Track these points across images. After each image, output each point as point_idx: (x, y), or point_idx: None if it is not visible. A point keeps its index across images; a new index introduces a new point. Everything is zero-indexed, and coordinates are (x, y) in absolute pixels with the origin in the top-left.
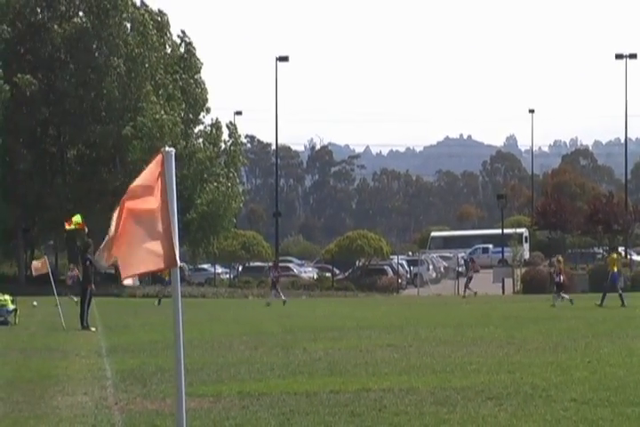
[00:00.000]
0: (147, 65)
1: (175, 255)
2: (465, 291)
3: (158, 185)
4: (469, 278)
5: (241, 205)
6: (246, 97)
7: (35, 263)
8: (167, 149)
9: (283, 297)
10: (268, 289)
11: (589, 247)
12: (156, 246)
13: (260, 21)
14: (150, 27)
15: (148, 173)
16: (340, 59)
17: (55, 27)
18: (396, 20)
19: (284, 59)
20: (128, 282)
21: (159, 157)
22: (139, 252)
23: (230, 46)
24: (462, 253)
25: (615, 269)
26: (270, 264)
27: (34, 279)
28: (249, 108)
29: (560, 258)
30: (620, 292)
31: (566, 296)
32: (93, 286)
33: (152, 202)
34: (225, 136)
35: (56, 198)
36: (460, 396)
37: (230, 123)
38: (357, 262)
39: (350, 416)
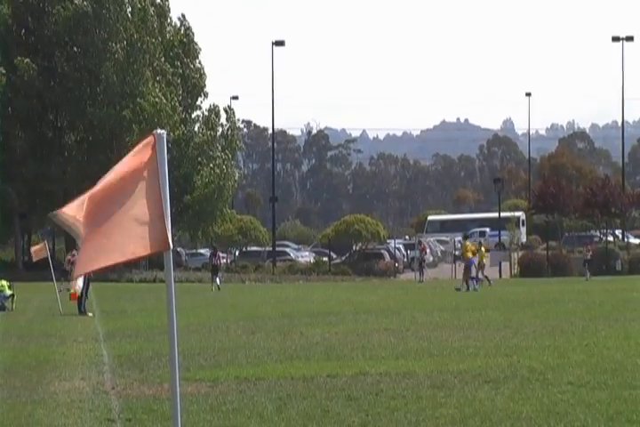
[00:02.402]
0: (145, 50)
1: (167, 239)
2: (422, 276)
3: (148, 167)
4: (422, 261)
5: (235, 185)
6: (242, 82)
7: (34, 248)
8: (159, 131)
9: (218, 283)
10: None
11: (587, 230)
12: (145, 230)
13: (256, 5)
14: (151, 13)
15: (137, 157)
16: (336, 43)
17: (55, 9)
18: (392, 3)
19: (280, 43)
20: (78, 283)
21: (150, 140)
22: (124, 237)
23: (226, 31)
24: (459, 237)
25: (470, 256)
26: (211, 251)
27: (32, 265)
28: (245, 92)
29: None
30: (473, 275)
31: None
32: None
33: (142, 185)
34: (222, 120)
35: (54, 182)
36: (457, 379)
37: (228, 107)
38: (354, 247)
39: (347, 400)
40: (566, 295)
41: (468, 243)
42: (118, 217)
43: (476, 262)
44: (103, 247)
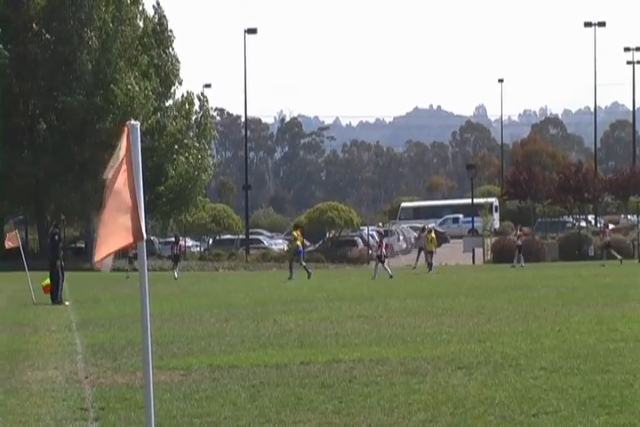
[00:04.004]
0: (120, 39)
1: (142, 229)
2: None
3: (127, 158)
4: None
5: (210, 177)
6: (215, 69)
7: (8, 236)
8: (132, 122)
9: (176, 274)
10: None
11: (559, 216)
12: (126, 221)
13: None
14: (128, 2)
15: (119, 148)
16: (308, 31)
17: None
18: None
19: (252, 31)
20: (107, 267)
21: (126, 131)
22: (112, 229)
23: (198, 18)
24: (432, 224)
25: (299, 244)
26: (173, 240)
27: (5, 254)
28: (218, 80)
29: (381, 231)
30: (304, 264)
31: (387, 269)
32: (62, 261)
33: (122, 176)
34: (196, 108)
35: (26, 171)
36: (431, 366)
37: (202, 94)
38: (328, 234)
39: (321, 387)
40: (539, 281)
41: (295, 234)
42: (110, 207)
43: (304, 252)
44: (106, 236)
